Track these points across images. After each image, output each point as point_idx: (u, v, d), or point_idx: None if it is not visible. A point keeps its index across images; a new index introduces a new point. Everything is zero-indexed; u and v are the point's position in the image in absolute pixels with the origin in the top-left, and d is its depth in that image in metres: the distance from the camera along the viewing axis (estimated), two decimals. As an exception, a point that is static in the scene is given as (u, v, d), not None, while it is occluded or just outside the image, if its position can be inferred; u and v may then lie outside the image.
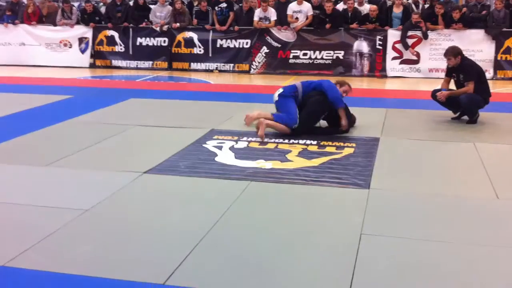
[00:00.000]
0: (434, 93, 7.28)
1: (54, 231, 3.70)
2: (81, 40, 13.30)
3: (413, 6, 12.73)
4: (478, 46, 11.29)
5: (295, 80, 9.30)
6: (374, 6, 11.81)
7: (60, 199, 4.32)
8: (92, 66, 13.28)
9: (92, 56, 13.35)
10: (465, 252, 3.47)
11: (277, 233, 3.75)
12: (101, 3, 15.27)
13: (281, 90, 6.72)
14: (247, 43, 12.39)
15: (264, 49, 12.26)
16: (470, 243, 3.60)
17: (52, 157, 5.44)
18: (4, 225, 3.87)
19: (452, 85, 7.38)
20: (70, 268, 3.21)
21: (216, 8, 12.58)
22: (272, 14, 12.13)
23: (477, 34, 11.33)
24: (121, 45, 13.10)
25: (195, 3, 13.28)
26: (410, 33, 11.52)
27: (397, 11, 11.83)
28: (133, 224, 3.88)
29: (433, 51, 11.48)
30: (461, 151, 5.84)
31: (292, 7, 11.98)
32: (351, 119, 6.65)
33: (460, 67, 7.10)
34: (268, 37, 12.19)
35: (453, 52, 7.13)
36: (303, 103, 6.50)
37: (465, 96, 6.97)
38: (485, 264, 3.32)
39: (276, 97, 6.67)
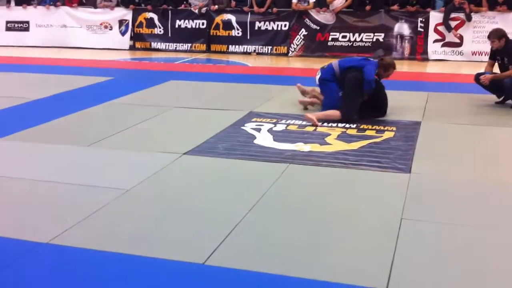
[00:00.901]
0: (477, 77, 7.10)
1: (96, 210, 3.77)
2: (121, 22, 13.43)
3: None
4: (524, 29, 10.92)
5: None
6: (414, -12, 11.56)
7: (102, 179, 4.39)
8: (132, 48, 13.41)
9: (131, 38, 13.48)
10: (505, 238, 3.39)
11: (315, 215, 3.74)
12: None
13: (319, 73, 6.65)
14: (285, 25, 12.30)
15: (303, 32, 12.15)
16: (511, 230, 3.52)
17: (94, 137, 5.54)
18: (48, 203, 3.96)
19: (496, 69, 7.18)
20: (111, 246, 3.27)
21: (254, -10, 12.52)
22: (311, -5, 11.99)
23: (523, 16, 10.97)
24: (160, 28, 13.17)
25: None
26: (453, 15, 11.23)
27: (440, -8, 11.55)
28: (173, 204, 3.92)
29: (477, 33, 11.17)
30: (504, 136, 5.69)
31: (332, -12, 11.82)
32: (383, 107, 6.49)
33: (505, 49, 6.90)
34: (306, 19, 12.07)
35: (496, 35, 6.93)
36: (342, 81, 6.37)
37: (509, 80, 6.79)
38: (530, 252, 3.24)
39: (317, 81, 6.63)
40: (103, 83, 8.77)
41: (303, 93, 7.09)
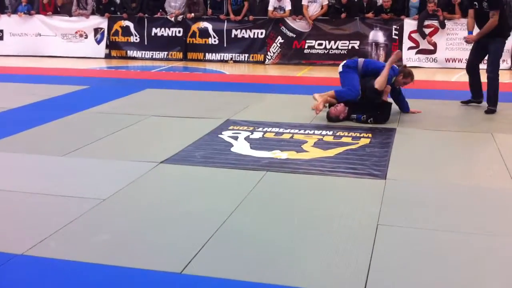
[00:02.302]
0: (468, 68, 7.24)
1: (72, 220, 3.74)
2: (96, 30, 13.36)
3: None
4: (495, 36, 11.13)
5: (310, 71, 9.33)
6: (388, -4, 11.71)
7: (78, 189, 4.35)
8: (108, 56, 13.35)
9: (107, 46, 13.41)
10: (482, 243, 3.45)
11: (292, 222, 3.75)
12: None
13: (344, 61, 6.93)
14: (261, 33, 12.36)
15: (279, 39, 12.23)
16: (487, 233, 3.58)
17: (70, 147, 5.49)
18: (23, 214, 3.91)
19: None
20: (87, 257, 3.24)
21: (230, -3, 12.57)
22: (287, 3, 12.08)
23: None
24: (136, 36, 13.13)
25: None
26: (426, 22, 11.41)
27: (414, 0, 11.71)
28: (150, 213, 3.90)
29: (450, 40, 11.37)
30: (478, 142, 5.79)
31: (307, -4, 11.92)
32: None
33: None
34: (283, 27, 12.16)
35: None
36: (362, 77, 6.66)
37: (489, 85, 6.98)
38: (502, 255, 3.30)
39: (340, 68, 6.84)
40: (79, 92, 8.70)
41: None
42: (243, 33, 12.49)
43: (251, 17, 12.29)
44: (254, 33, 12.43)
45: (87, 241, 3.46)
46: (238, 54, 12.54)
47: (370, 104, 6.51)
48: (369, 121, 6.39)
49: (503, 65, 11.09)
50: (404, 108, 6.98)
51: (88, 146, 5.56)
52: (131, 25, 13.13)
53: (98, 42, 13.39)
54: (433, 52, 11.53)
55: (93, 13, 13.50)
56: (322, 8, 11.87)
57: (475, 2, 6.97)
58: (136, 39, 13.15)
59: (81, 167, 4.94)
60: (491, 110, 6.99)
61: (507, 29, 7.10)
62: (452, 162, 5.11)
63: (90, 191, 4.27)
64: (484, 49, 7.06)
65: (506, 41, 7.16)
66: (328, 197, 4.24)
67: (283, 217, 3.86)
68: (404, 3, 11.76)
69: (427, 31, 11.43)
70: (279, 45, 12.26)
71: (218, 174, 4.74)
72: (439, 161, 5.13)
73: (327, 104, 6.68)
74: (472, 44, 7.22)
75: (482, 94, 7.33)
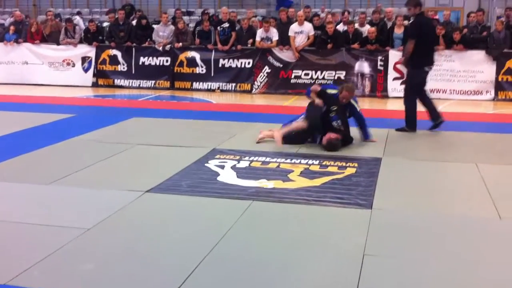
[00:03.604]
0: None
1: (56, 249, 3.69)
2: (84, 59, 13.38)
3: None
4: (479, 67, 11.35)
5: (296, 100, 9.40)
6: (372, 29, 11.86)
7: (63, 218, 4.31)
8: (95, 85, 13.35)
9: (94, 75, 13.43)
10: (468, 273, 3.46)
11: (278, 253, 3.74)
12: (105, 22, 15.42)
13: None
14: (249, 63, 12.46)
15: (266, 69, 12.33)
16: (473, 263, 3.59)
17: (54, 175, 5.45)
18: (6, 243, 3.86)
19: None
20: (73, 287, 3.19)
21: (218, 28, 12.69)
22: (274, 34, 12.22)
23: (478, 55, 11.38)
24: (123, 64, 13.17)
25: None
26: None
27: (398, 31, 11.88)
28: (135, 243, 3.87)
29: (434, 71, 11.41)
30: (463, 172, 5.84)
31: (294, 27, 12.07)
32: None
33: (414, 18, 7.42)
34: (270, 57, 12.27)
35: (412, 2, 7.33)
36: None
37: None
38: (489, 285, 3.30)
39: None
40: (65, 120, 8.68)
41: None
42: (231, 63, 12.59)
43: (239, 46, 12.41)
44: (241, 62, 12.53)
45: (71, 271, 3.42)
46: (225, 83, 12.61)
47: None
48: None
49: (486, 96, 11.31)
50: (365, 136, 7.08)
51: (74, 174, 5.53)
52: (118, 54, 13.19)
53: (86, 70, 13.41)
54: (417, 82, 11.66)
55: (81, 41, 13.53)
56: (308, 39, 12.01)
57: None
58: (124, 68, 13.19)
59: (66, 196, 4.90)
60: (403, 129, 7.57)
61: (423, 61, 7.55)
62: (437, 192, 5.15)
63: (75, 220, 4.23)
64: None
65: (430, 72, 7.78)
66: (314, 227, 4.24)
67: (269, 247, 3.84)
68: (388, 35, 11.94)
69: (411, 62, 11.57)
70: (266, 74, 12.36)
71: (205, 203, 4.73)
72: (424, 191, 5.17)
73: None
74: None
75: (439, 115, 7.74)
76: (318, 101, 6.83)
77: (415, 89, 7.67)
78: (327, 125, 6.69)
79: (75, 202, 4.76)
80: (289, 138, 6.78)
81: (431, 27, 7.93)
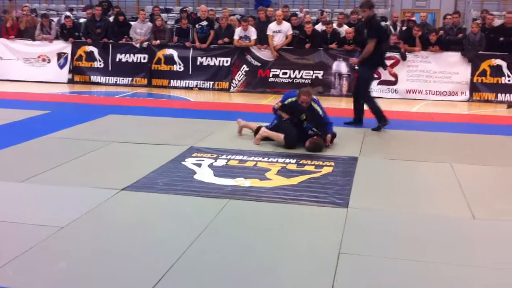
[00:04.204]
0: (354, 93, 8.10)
1: (30, 248, 3.64)
2: (59, 55, 13.21)
3: (391, 28, 12.93)
4: (454, 68, 11.48)
5: (275, 99, 9.39)
6: (350, 29, 11.90)
7: (37, 216, 4.25)
8: (71, 81, 13.18)
9: (70, 71, 13.26)
10: (442, 272, 3.49)
11: (255, 251, 3.73)
12: (81, 18, 15.24)
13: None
14: (227, 61, 12.43)
15: (244, 68, 12.31)
16: (448, 262, 3.63)
17: (29, 173, 5.36)
18: (-23, 241, 3.79)
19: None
20: (47, 285, 3.15)
21: (196, 25, 12.63)
22: (253, 33, 12.20)
23: (454, 57, 11.52)
24: (100, 61, 13.04)
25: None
26: (388, 54, 11.65)
27: (375, 32, 11.97)
28: (109, 242, 3.83)
29: (411, 72, 11.64)
30: (438, 171, 5.90)
31: (272, 26, 12.06)
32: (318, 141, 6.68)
33: (368, 21, 7.78)
34: (248, 56, 12.25)
35: (367, 4, 7.75)
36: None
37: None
38: (462, 284, 3.34)
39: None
40: (40, 116, 8.55)
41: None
42: (209, 61, 12.54)
43: (220, 41, 12.35)
44: (220, 61, 12.49)
45: (45, 270, 3.37)
46: (203, 82, 12.55)
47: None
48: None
49: (461, 96, 11.45)
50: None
51: (48, 172, 5.45)
52: (95, 50, 13.04)
53: (61, 67, 13.24)
54: (394, 83, 11.77)
55: (56, 37, 13.36)
56: (286, 38, 12.02)
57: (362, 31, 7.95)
58: (100, 65, 13.06)
59: (40, 194, 4.83)
60: (378, 127, 7.69)
61: (377, 59, 8.00)
62: (412, 191, 5.19)
63: (49, 219, 4.17)
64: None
65: (385, 71, 8.44)
66: (290, 226, 4.24)
67: (245, 245, 3.84)
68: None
69: (388, 62, 11.66)
70: (244, 73, 12.33)
71: (181, 202, 4.70)
72: (400, 190, 5.21)
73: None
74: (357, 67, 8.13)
75: (362, 119, 8.19)
76: (285, 115, 6.81)
77: (368, 88, 8.11)
78: (305, 135, 6.67)
79: (49, 200, 4.69)
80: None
81: (384, 29, 8.55)
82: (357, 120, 8.24)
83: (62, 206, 4.52)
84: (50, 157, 5.99)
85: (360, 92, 8.00)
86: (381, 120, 7.85)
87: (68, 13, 17.21)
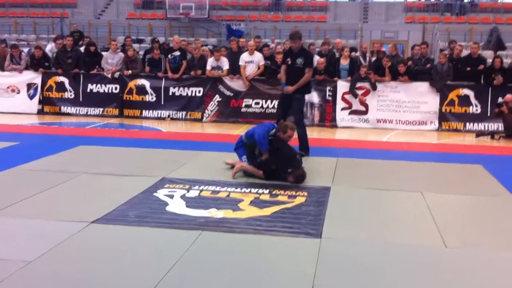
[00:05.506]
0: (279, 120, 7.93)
1: (-6, 284, 3.52)
2: (29, 85, 13.07)
3: (361, 58, 13.15)
4: (423, 98, 11.70)
5: (247, 129, 9.42)
6: (322, 59, 12.08)
7: (3, 250, 4.13)
8: (40, 112, 13.02)
9: (40, 102, 13.11)
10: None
11: (227, 283, 3.68)
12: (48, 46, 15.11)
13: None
14: (199, 91, 12.45)
15: (217, 98, 12.35)
16: (421, 292, 3.63)
17: (-5, 206, 5.23)
18: None
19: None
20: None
21: (169, 56, 12.66)
22: (225, 63, 12.28)
23: (422, 87, 11.74)
24: (71, 92, 12.93)
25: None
26: (358, 84, 11.84)
27: (344, 63, 12.17)
28: (78, 277, 3.73)
29: (381, 102, 11.81)
30: (409, 200, 5.94)
31: (244, 57, 12.17)
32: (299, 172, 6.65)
33: (301, 51, 8.20)
34: (220, 86, 12.30)
35: (298, 35, 8.17)
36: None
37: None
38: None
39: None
40: (8, 148, 8.39)
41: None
42: (181, 91, 12.54)
43: (192, 72, 12.39)
44: (192, 91, 12.50)
45: (9, 308, 3.26)
46: (176, 112, 12.54)
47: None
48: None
49: (430, 126, 11.64)
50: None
51: (16, 204, 5.32)
52: (66, 80, 12.94)
53: (31, 97, 13.08)
54: (365, 113, 11.92)
55: (26, 68, 13.24)
56: (259, 68, 12.13)
57: (288, 59, 8.23)
58: (71, 95, 12.94)
59: (7, 227, 4.70)
60: (302, 155, 7.61)
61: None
62: (384, 220, 5.21)
63: (16, 253, 4.06)
64: (290, 102, 8.21)
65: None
66: (264, 257, 4.20)
67: (218, 277, 3.78)
68: (335, 66, 12.18)
69: (359, 92, 11.85)
70: (216, 103, 12.36)
71: (152, 234, 4.62)
72: (372, 219, 5.22)
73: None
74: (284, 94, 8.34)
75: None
76: (266, 157, 6.70)
77: (303, 114, 8.48)
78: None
79: (16, 233, 4.56)
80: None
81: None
82: (305, 148, 8.22)
83: (30, 240, 4.41)
84: (19, 189, 5.86)
85: (296, 119, 8.05)
86: (306, 150, 8.11)
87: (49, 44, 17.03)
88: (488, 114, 11.39)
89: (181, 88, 12.53)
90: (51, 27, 23.57)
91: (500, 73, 11.30)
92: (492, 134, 10.73)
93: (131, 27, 23.61)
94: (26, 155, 7.73)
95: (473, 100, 11.53)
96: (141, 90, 12.64)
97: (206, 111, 12.41)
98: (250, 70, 12.16)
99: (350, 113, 11.97)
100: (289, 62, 8.19)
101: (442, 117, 11.65)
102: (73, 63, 12.95)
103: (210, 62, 12.37)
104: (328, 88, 11.97)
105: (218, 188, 6.12)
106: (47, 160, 7.52)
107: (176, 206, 5.42)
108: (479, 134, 10.97)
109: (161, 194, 5.84)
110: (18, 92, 13.08)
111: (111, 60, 12.86)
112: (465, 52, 13.09)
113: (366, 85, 11.80)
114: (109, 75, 12.67)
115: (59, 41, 14.16)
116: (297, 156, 6.77)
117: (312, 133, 10.76)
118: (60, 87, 12.95)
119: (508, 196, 6.13)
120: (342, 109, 11.97)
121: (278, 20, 24.06)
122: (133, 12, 25.57)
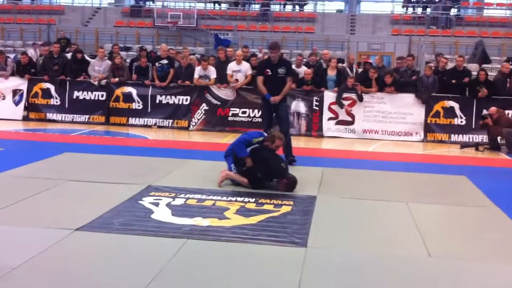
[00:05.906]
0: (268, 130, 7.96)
1: (-25, 292, 3.47)
2: (15, 92, 12.98)
3: (348, 70, 13.22)
4: (409, 109, 11.79)
5: (234, 138, 9.42)
6: (309, 70, 12.14)
7: (-16, 258, 4.08)
8: (26, 118, 12.92)
9: (25, 108, 13.01)
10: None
11: (213, 293, 3.66)
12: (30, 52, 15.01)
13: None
14: (186, 99, 12.44)
15: (204, 106, 12.34)
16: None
17: (-22, 212, 5.17)
18: None
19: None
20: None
21: (156, 64, 12.64)
22: (212, 72, 12.30)
23: (408, 98, 11.84)
24: (56, 98, 12.85)
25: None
26: (345, 95, 11.91)
27: (331, 73, 12.23)
28: (63, 284, 3.69)
29: (367, 113, 11.88)
30: (394, 210, 5.97)
31: (232, 66, 12.19)
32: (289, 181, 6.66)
33: (281, 61, 8.38)
34: (207, 95, 12.30)
35: (277, 46, 8.32)
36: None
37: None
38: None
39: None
40: (-8, 154, 8.32)
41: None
42: (168, 99, 12.52)
43: (180, 81, 12.38)
44: (179, 99, 12.49)
45: (-10, 315, 3.21)
46: (162, 120, 12.50)
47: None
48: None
49: (416, 137, 11.73)
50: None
51: (0, 211, 5.27)
52: (52, 87, 12.86)
53: (16, 103, 12.98)
54: (351, 123, 11.98)
55: (12, 74, 13.14)
56: (246, 78, 12.15)
57: (267, 70, 8.28)
58: (57, 102, 12.86)
59: (-11, 234, 4.65)
60: (292, 160, 8.00)
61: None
62: (369, 230, 5.22)
63: (0, 260, 4.01)
64: (276, 111, 8.35)
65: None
66: (249, 266, 4.19)
67: (203, 286, 3.76)
68: (322, 76, 12.24)
69: (346, 103, 11.91)
70: (203, 112, 12.35)
71: (137, 242, 4.59)
72: (357, 229, 5.23)
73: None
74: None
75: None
76: (249, 163, 6.72)
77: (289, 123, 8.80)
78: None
79: (0, 240, 4.52)
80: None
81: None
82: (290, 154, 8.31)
83: (13, 247, 4.36)
84: (2, 196, 5.80)
85: (285, 127, 8.32)
86: (291, 156, 8.21)
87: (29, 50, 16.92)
88: (473, 126, 11.50)
89: (168, 96, 12.51)
90: (38, 34, 23.43)
91: (485, 86, 11.42)
92: (476, 145, 10.82)
93: (118, 35, 23.55)
94: (10, 161, 7.66)
95: (458, 112, 11.64)
96: (128, 97, 12.60)
97: (193, 119, 12.40)
98: (238, 80, 12.17)
99: (337, 123, 12.02)
100: (269, 73, 8.26)
101: (428, 128, 11.74)
102: (59, 69, 12.87)
103: (198, 71, 12.38)
104: (315, 98, 12.01)
105: (204, 197, 6.10)
106: (31, 166, 7.46)
107: (162, 214, 5.40)
108: (464, 145, 11.06)
109: (146, 202, 5.82)
110: (4, 98, 12.98)
111: (98, 67, 12.81)
112: (450, 65, 13.22)
113: (353, 96, 11.87)
114: (96, 82, 12.62)
115: (45, 47, 14.07)
116: (283, 165, 6.77)
117: (299, 143, 10.79)
118: (46, 93, 12.87)
119: (492, 207, 6.18)
120: (329, 119, 12.02)
121: (266, 30, 24.15)
122: (120, 20, 25.51)
